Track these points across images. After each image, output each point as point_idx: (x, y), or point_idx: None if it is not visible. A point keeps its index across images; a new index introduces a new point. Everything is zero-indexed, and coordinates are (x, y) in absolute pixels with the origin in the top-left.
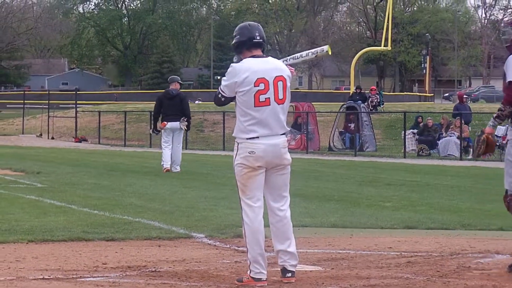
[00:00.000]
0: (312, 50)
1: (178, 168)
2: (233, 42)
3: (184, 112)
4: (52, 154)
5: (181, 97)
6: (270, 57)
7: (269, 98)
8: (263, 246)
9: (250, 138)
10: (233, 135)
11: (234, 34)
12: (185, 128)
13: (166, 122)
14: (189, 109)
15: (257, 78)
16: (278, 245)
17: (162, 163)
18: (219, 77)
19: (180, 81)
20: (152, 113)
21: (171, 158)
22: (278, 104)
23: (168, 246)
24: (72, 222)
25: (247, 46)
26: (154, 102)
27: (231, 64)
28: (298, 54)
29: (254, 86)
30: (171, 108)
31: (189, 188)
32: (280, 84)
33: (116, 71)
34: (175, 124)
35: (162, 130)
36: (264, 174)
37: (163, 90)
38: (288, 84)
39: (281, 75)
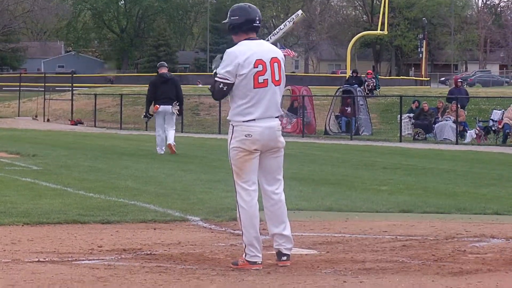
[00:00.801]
0: (288, 19)
1: (163, 151)
2: (230, 23)
3: (178, 96)
4: (47, 136)
5: (174, 81)
6: (262, 40)
7: (267, 79)
8: (258, 229)
9: (246, 121)
10: (228, 118)
11: (231, 14)
12: (177, 112)
13: (158, 106)
14: (182, 93)
15: (256, 59)
16: (273, 229)
17: (157, 148)
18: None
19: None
20: (147, 96)
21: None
22: (275, 86)
23: (164, 229)
24: (68, 204)
25: (245, 29)
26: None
27: (227, 50)
28: (277, 29)
29: (254, 67)
30: (165, 91)
31: (185, 171)
32: (275, 65)
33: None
34: (167, 107)
35: (155, 114)
36: (258, 157)
37: (156, 74)
38: (283, 66)
39: (276, 57)
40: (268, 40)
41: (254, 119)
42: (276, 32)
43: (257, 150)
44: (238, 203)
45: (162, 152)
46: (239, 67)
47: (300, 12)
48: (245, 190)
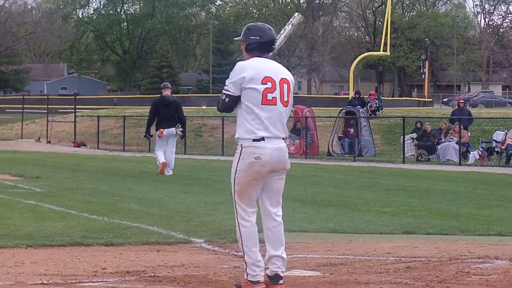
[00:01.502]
0: (287, 23)
1: (171, 172)
2: (250, 42)
3: (180, 118)
4: (51, 158)
5: (177, 103)
6: (273, 61)
7: (276, 97)
8: (258, 248)
9: (255, 140)
10: (236, 137)
11: (251, 33)
12: (181, 134)
13: (162, 130)
14: (184, 115)
15: (265, 76)
16: (273, 251)
17: (158, 162)
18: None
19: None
20: (148, 118)
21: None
22: (283, 106)
23: (167, 251)
24: (71, 227)
25: (264, 48)
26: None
27: (238, 62)
28: (278, 35)
29: (262, 83)
30: (167, 114)
31: (188, 193)
32: (285, 86)
33: (114, 74)
34: (171, 130)
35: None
36: (264, 179)
37: (158, 96)
38: (292, 88)
39: (286, 78)
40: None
41: (263, 138)
42: (277, 38)
43: (265, 173)
44: (239, 223)
45: (171, 174)
46: (244, 80)
47: (297, 14)
48: (245, 211)
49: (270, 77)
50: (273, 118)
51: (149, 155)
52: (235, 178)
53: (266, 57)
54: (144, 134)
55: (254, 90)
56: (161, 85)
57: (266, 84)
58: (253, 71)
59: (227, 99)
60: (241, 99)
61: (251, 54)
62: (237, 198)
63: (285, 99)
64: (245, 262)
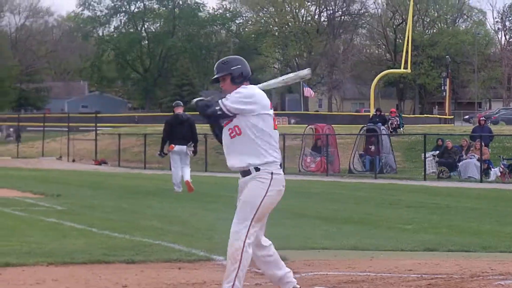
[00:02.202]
0: (297, 74)
1: (180, 189)
2: (241, 71)
3: (193, 137)
4: (71, 176)
5: (190, 122)
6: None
7: (275, 124)
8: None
9: (278, 168)
10: (256, 164)
11: (237, 63)
12: (192, 153)
13: (173, 145)
14: (197, 134)
15: (270, 102)
16: (279, 272)
17: (174, 188)
18: None
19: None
20: (162, 136)
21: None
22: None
23: (188, 269)
24: (92, 244)
25: (247, 76)
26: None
27: (247, 89)
28: (281, 78)
29: (270, 108)
30: (181, 132)
31: (209, 211)
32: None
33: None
34: (183, 147)
35: (170, 153)
36: None
37: (171, 114)
38: None
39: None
40: (267, 83)
41: (280, 164)
42: (277, 81)
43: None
44: (245, 247)
45: (180, 191)
46: (258, 107)
47: (308, 70)
48: (254, 234)
49: (270, 103)
50: (277, 142)
51: (169, 172)
52: (262, 203)
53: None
54: (158, 153)
55: (269, 116)
56: (173, 103)
57: (272, 109)
58: (263, 97)
59: (220, 113)
60: (257, 124)
61: (238, 85)
62: (254, 221)
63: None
64: (234, 285)
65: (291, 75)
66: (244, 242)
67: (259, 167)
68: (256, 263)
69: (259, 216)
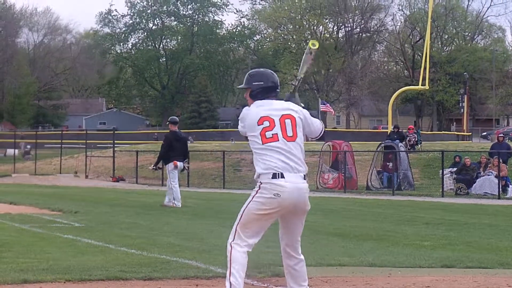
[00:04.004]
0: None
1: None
2: (254, 88)
3: (187, 153)
4: (89, 193)
5: (185, 139)
6: (275, 100)
7: (276, 134)
8: (244, 276)
9: (275, 178)
10: (255, 178)
11: (254, 79)
12: (187, 168)
13: (177, 162)
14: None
15: (261, 117)
16: (297, 287)
17: (173, 202)
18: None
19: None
20: (161, 152)
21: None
22: (287, 141)
23: (206, 286)
24: (110, 261)
25: (267, 93)
26: (162, 142)
27: (244, 109)
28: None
29: (258, 125)
30: (179, 149)
31: (226, 227)
32: (287, 121)
33: (153, 109)
34: (181, 164)
35: (171, 169)
36: (274, 218)
37: (169, 131)
38: (299, 122)
39: (289, 114)
40: (298, 80)
41: (281, 173)
42: (300, 71)
43: (280, 211)
44: (232, 247)
45: (180, 206)
46: (244, 129)
47: (309, 42)
48: (241, 240)
49: (267, 116)
50: (281, 153)
51: (187, 189)
52: (247, 207)
53: (271, 99)
54: (154, 167)
55: (254, 137)
56: (170, 120)
57: (263, 124)
58: (250, 118)
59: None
60: (252, 139)
61: (254, 99)
62: (239, 226)
63: (289, 134)
64: (230, 283)
65: (304, 58)
66: (231, 243)
67: (256, 180)
68: (284, 271)
69: (244, 223)
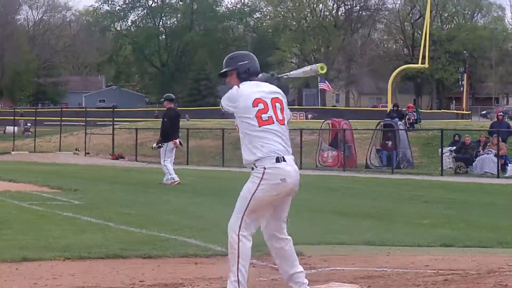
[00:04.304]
0: (311, 68)
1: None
2: (240, 68)
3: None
4: (89, 171)
5: (181, 117)
6: (260, 82)
7: (271, 116)
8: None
9: (278, 162)
10: (252, 161)
11: (242, 59)
12: (181, 145)
13: (176, 141)
14: None
15: (255, 99)
16: (291, 269)
17: (172, 178)
18: None
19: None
20: (165, 129)
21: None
22: (280, 125)
23: (205, 264)
24: (109, 239)
25: (254, 72)
26: (165, 119)
27: (233, 89)
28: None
29: (253, 107)
30: (178, 126)
31: (226, 206)
32: (277, 105)
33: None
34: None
35: (170, 148)
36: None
37: (168, 108)
38: (285, 105)
39: (277, 97)
40: (285, 75)
41: (283, 157)
42: (294, 72)
43: (283, 196)
44: (239, 235)
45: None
46: (237, 110)
47: (317, 66)
48: (249, 230)
49: (260, 98)
50: (278, 136)
51: (187, 167)
52: (253, 196)
53: (255, 80)
54: (157, 145)
55: (249, 119)
56: (167, 97)
57: (258, 106)
58: (244, 99)
59: (222, 111)
60: (246, 122)
61: (243, 80)
62: (246, 213)
63: (280, 117)
64: (238, 281)
65: (307, 68)
66: (238, 234)
67: (255, 164)
68: (272, 255)
69: (252, 209)
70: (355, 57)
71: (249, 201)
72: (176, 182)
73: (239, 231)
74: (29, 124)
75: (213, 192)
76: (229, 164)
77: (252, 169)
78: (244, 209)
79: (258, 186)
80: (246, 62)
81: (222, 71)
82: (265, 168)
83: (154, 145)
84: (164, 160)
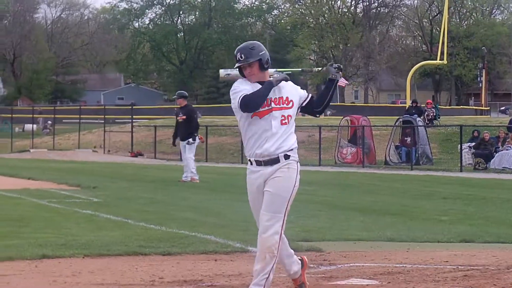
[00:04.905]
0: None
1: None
2: (263, 58)
3: None
4: (107, 168)
5: None
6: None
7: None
8: None
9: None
10: (288, 151)
11: (263, 49)
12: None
13: (202, 136)
14: None
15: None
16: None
17: (194, 174)
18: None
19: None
20: (193, 125)
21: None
22: None
23: (224, 260)
24: (128, 236)
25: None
26: (192, 115)
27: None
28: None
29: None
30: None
31: (244, 202)
32: None
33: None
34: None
35: (193, 145)
36: None
37: (185, 104)
38: None
39: None
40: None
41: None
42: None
43: None
44: (281, 236)
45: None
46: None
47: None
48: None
49: None
50: None
51: (205, 164)
52: (293, 193)
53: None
54: (192, 140)
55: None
56: (182, 94)
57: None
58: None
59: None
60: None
61: (265, 71)
62: (287, 213)
63: None
64: (269, 278)
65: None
66: (280, 235)
67: (289, 153)
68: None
69: (291, 204)
70: (374, 53)
71: (289, 200)
72: (196, 180)
73: (280, 232)
74: (49, 122)
75: (232, 189)
76: (247, 161)
77: (278, 161)
78: (285, 207)
79: (296, 182)
80: (265, 52)
81: (247, 62)
82: (297, 162)
83: (191, 140)
84: (191, 155)
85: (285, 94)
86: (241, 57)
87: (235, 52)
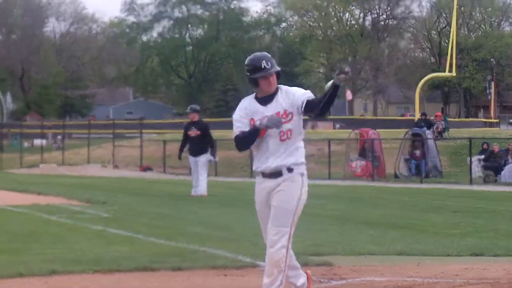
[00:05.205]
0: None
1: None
2: (277, 69)
3: None
4: (117, 183)
5: None
6: None
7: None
8: None
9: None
10: (296, 163)
11: (273, 60)
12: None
13: None
14: None
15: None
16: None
17: (204, 192)
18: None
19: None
20: (212, 141)
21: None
22: None
23: (235, 275)
24: (138, 251)
25: None
26: (208, 131)
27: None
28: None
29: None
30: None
31: (254, 216)
32: None
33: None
34: None
35: (207, 161)
36: None
37: (198, 120)
38: None
39: None
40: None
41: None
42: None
43: None
44: (288, 251)
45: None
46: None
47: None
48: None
49: None
50: None
51: (214, 179)
52: (300, 207)
53: None
54: (214, 158)
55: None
56: (195, 108)
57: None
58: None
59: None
60: (298, 124)
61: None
62: (294, 227)
63: None
64: (282, 283)
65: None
66: (287, 249)
67: (294, 167)
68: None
69: (297, 220)
70: (382, 66)
71: (295, 211)
72: (204, 195)
73: (287, 245)
74: (59, 137)
75: (241, 203)
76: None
77: (281, 174)
78: (290, 221)
79: (303, 195)
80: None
81: (276, 70)
82: (303, 174)
83: (212, 158)
84: (206, 172)
85: (282, 108)
86: (267, 65)
87: (252, 62)
